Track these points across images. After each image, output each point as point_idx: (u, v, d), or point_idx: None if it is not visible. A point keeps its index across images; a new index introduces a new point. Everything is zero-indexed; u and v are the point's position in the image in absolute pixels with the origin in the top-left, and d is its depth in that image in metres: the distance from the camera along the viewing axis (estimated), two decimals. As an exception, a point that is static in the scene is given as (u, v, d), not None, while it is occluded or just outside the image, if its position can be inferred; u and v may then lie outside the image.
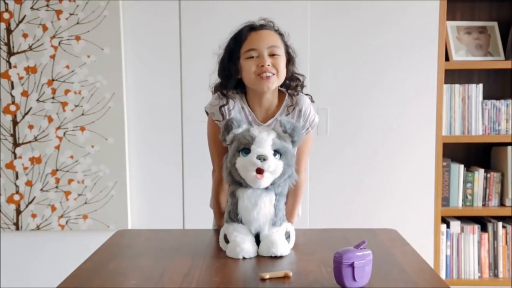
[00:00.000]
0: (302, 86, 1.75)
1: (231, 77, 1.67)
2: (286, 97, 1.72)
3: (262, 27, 1.66)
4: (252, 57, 1.63)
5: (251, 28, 1.66)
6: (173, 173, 2.81)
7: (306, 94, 1.76)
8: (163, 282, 1.30)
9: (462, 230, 2.82)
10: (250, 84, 1.66)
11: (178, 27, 2.72)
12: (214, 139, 1.71)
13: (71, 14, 2.72)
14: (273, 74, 1.62)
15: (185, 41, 2.72)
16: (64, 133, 2.77)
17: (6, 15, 2.71)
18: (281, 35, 1.70)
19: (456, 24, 2.85)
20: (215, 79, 1.74)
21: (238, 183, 1.52)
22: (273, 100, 1.71)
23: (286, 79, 1.70)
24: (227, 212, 1.56)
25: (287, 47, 1.70)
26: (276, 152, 1.49)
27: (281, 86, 1.73)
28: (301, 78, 1.74)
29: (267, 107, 1.71)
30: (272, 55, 1.63)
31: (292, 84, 1.72)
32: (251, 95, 1.70)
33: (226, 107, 1.68)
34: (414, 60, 2.71)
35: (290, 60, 1.70)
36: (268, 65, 1.61)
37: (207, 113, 1.74)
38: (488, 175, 2.83)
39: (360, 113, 2.75)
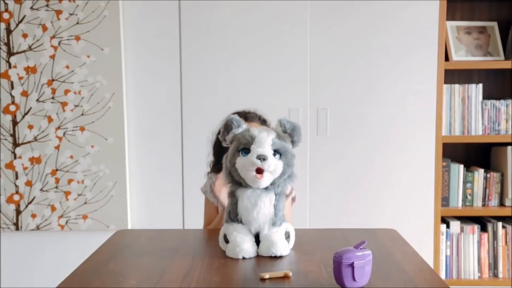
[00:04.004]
0: None
1: None
2: None
3: (246, 120, 1.87)
4: None
5: None
6: (173, 173, 2.81)
7: None
8: (163, 282, 1.30)
9: (462, 230, 2.82)
10: None
11: (178, 27, 2.72)
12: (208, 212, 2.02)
13: (71, 14, 2.72)
14: None
15: (185, 41, 2.72)
16: (64, 133, 2.77)
17: (6, 15, 2.71)
18: (264, 122, 1.96)
19: (456, 24, 2.85)
20: (210, 159, 2.01)
21: (238, 183, 1.52)
22: None
23: None
24: (227, 212, 1.56)
25: None
26: (276, 152, 1.48)
27: None
28: None
29: None
30: None
31: None
32: None
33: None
34: (414, 60, 2.71)
35: None
36: None
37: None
38: (488, 175, 2.83)
39: (360, 113, 2.75)
